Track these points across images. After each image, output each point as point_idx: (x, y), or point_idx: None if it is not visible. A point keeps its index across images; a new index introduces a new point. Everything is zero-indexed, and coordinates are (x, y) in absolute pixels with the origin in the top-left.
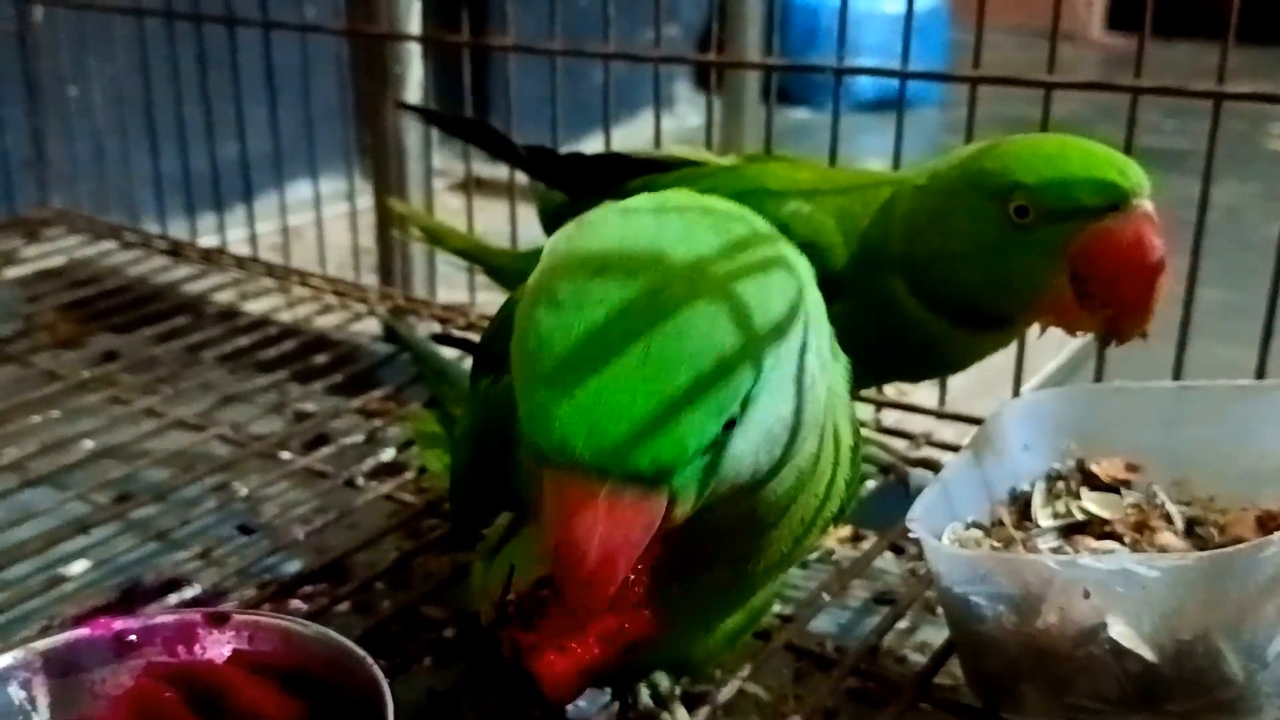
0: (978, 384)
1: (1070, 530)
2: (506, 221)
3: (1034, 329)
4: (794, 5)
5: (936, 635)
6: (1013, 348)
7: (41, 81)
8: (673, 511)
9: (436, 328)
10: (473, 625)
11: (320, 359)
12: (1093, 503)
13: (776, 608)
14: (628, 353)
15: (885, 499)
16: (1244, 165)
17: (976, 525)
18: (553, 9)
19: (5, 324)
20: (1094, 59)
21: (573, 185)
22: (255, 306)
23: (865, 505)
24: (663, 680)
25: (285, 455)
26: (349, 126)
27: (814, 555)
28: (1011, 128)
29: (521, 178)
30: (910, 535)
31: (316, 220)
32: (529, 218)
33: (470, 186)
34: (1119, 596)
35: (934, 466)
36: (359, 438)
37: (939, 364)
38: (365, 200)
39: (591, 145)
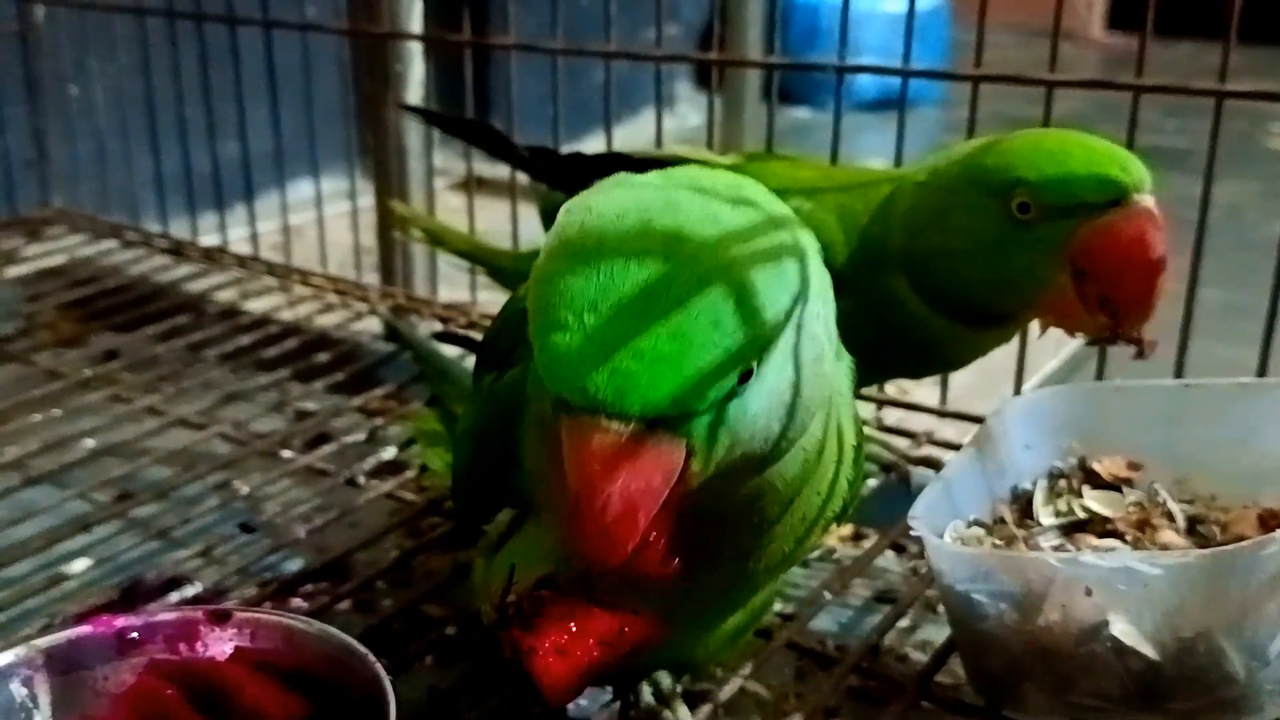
0: (979, 382)
1: (1072, 528)
2: (508, 221)
3: (1035, 328)
4: (795, 4)
5: (938, 633)
6: (1014, 346)
7: (43, 81)
8: (690, 467)
9: (438, 326)
10: (474, 624)
11: (321, 357)
12: (1094, 501)
13: (778, 606)
14: (647, 298)
15: (887, 497)
16: (1245, 164)
17: (978, 523)
18: (554, 8)
19: (7, 323)
20: (1095, 58)
21: (574, 185)
22: (256, 305)
23: (867, 503)
24: (664, 678)
25: (286, 454)
26: (350, 126)
27: (815, 554)
28: (1013, 127)
29: (523, 177)
30: (912, 533)
31: (318, 219)
32: (530, 217)
33: (471, 186)
34: (1121, 594)
35: (935, 465)
36: (360, 436)
37: (940, 361)
38: (366, 199)
39: (593, 144)
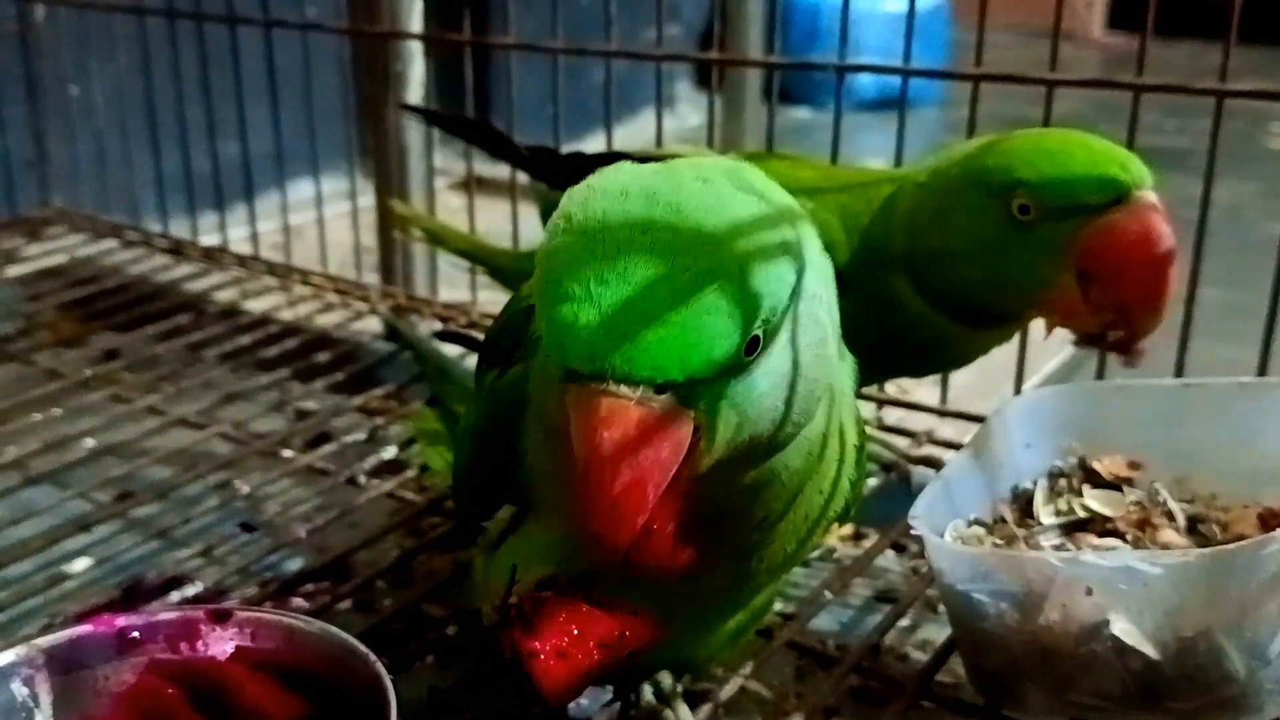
0: (979, 382)
1: (1072, 528)
2: (508, 220)
3: (1036, 328)
4: (795, 4)
5: (938, 633)
6: (1014, 346)
7: (43, 81)
8: (698, 444)
9: (438, 326)
10: (474, 623)
11: (322, 357)
12: (1095, 500)
13: (778, 606)
14: (653, 266)
15: (887, 497)
16: (1245, 164)
17: (978, 523)
18: (554, 8)
19: (7, 323)
20: (1095, 58)
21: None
22: (257, 305)
23: (867, 503)
24: (665, 678)
25: (287, 453)
26: (350, 125)
27: (816, 553)
28: (1013, 127)
29: (523, 177)
30: (912, 533)
31: (318, 219)
32: (530, 217)
33: (471, 185)
34: (1121, 594)
35: (936, 464)
36: (360, 436)
37: (942, 360)
38: (367, 199)
39: (593, 144)
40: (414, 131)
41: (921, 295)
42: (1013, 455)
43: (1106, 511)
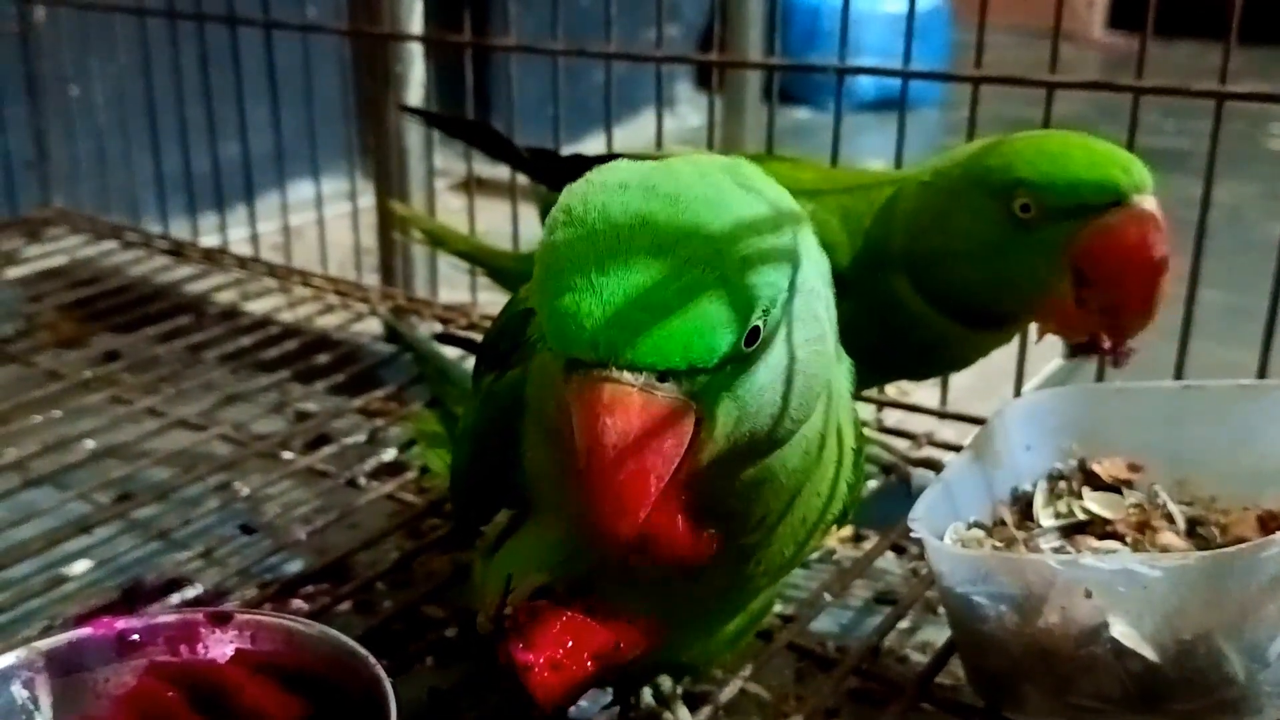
0: (979, 384)
1: (1072, 530)
2: (508, 221)
3: (1034, 336)
4: (795, 5)
5: (938, 635)
6: (1014, 348)
7: (43, 81)
8: (699, 437)
9: (438, 327)
10: (474, 625)
11: (322, 359)
12: (1094, 502)
13: (778, 608)
14: (654, 255)
15: (887, 499)
16: (1245, 165)
17: (978, 525)
18: (554, 9)
19: (7, 324)
20: (1095, 59)
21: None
22: (257, 306)
23: (867, 505)
24: (665, 681)
25: (287, 455)
26: (351, 126)
27: (815, 555)
28: (1013, 128)
29: (523, 178)
30: (912, 535)
31: (318, 220)
32: (530, 218)
33: (472, 186)
34: (1121, 596)
35: (936, 466)
36: (360, 437)
37: (942, 362)
38: (367, 200)
39: (593, 145)
40: (414, 132)
41: (922, 296)
42: (1012, 457)
43: (1106, 514)
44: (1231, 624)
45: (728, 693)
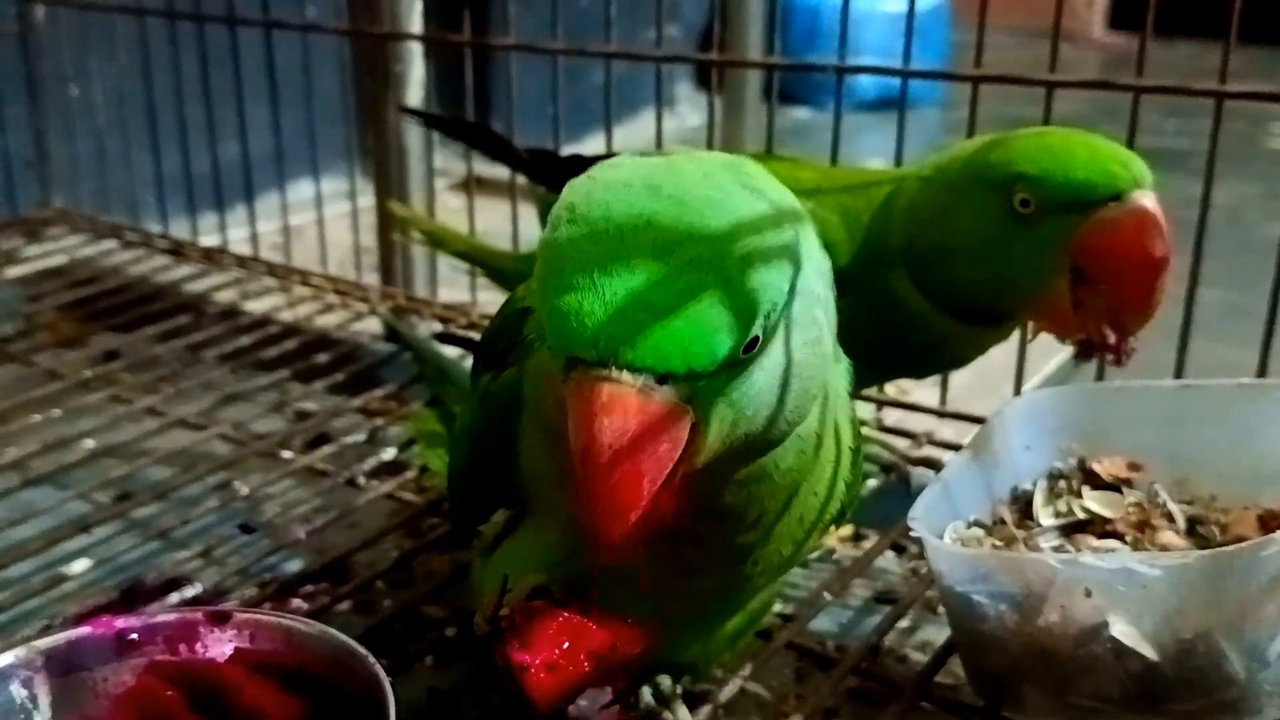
0: (979, 383)
1: (1072, 529)
2: (507, 221)
3: (1030, 334)
4: (795, 5)
5: (938, 634)
6: (1014, 347)
7: (43, 81)
8: (695, 440)
9: (438, 327)
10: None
11: (321, 358)
12: (1094, 501)
13: (777, 607)
14: (656, 257)
15: (886, 498)
16: (1245, 165)
17: (978, 524)
18: (554, 8)
19: (7, 323)
20: (1095, 59)
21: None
22: (256, 306)
23: (866, 504)
24: (664, 680)
25: (286, 454)
26: (350, 126)
27: (815, 555)
28: (1013, 127)
29: (523, 178)
30: (911, 534)
31: (318, 219)
32: (530, 217)
33: (471, 186)
34: (1120, 595)
35: (935, 465)
36: (360, 437)
37: (941, 360)
38: (366, 200)
39: (593, 144)
40: (414, 132)
41: (921, 293)
42: (1012, 456)
43: (1106, 513)
44: (1231, 623)
45: (727, 692)
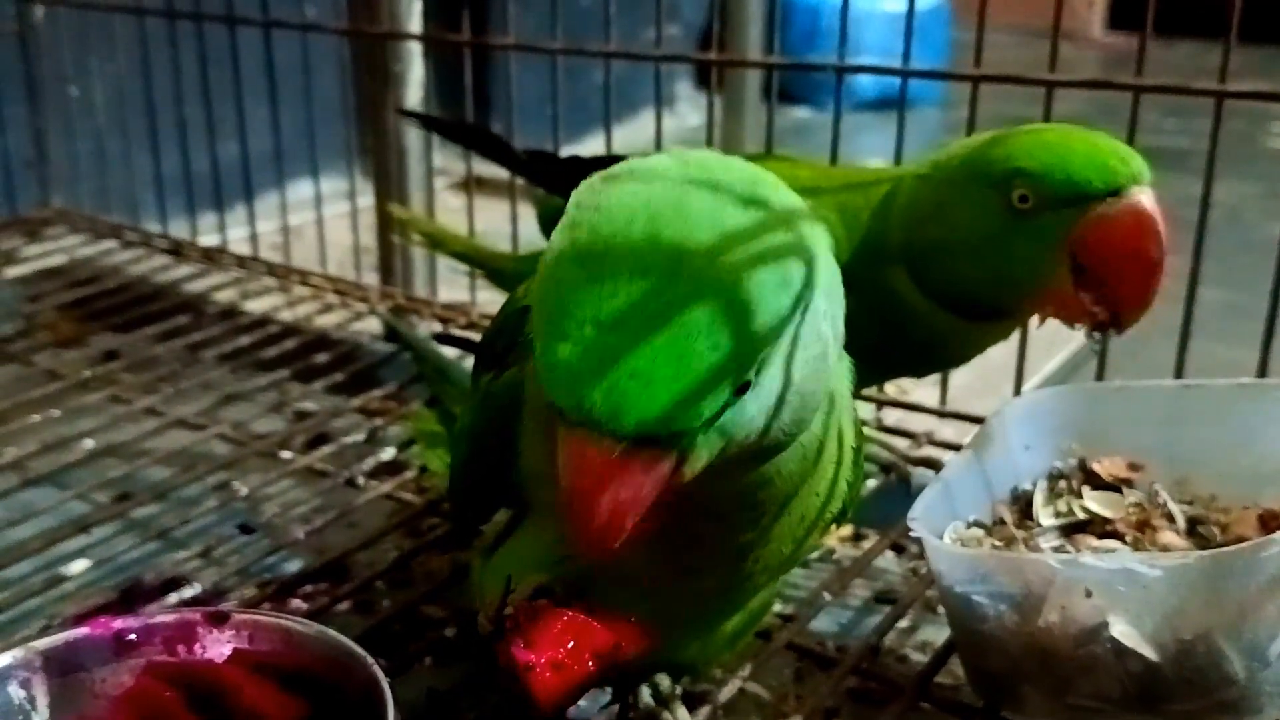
0: (979, 383)
1: (1072, 529)
2: (507, 221)
3: (1035, 322)
4: (795, 4)
5: (938, 634)
6: (1014, 346)
7: (43, 81)
8: (682, 468)
9: (437, 327)
10: (473, 624)
11: (321, 358)
12: (1094, 502)
13: (777, 607)
14: (647, 315)
15: (886, 498)
16: (1245, 164)
17: (978, 524)
18: (553, 8)
19: (6, 323)
20: (1095, 58)
21: (572, 189)
22: (256, 305)
23: (866, 504)
24: (663, 680)
25: (286, 454)
26: (350, 126)
27: (815, 554)
28: (1013, 126)
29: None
30: (911, 534)
31: (317, 219)
32: (529, 218)
33: (471, 186)
34: (1120, 596)
35: (935, 465)
36: (360, 437)
37: (941, 358)
38: (366, 199)
39: (592, 144)
40: (413, 132)
41: (920, 290)
42: (1012, 457)
43: (1106, 513)
44: (1231, 623)
45: (727, 692)
